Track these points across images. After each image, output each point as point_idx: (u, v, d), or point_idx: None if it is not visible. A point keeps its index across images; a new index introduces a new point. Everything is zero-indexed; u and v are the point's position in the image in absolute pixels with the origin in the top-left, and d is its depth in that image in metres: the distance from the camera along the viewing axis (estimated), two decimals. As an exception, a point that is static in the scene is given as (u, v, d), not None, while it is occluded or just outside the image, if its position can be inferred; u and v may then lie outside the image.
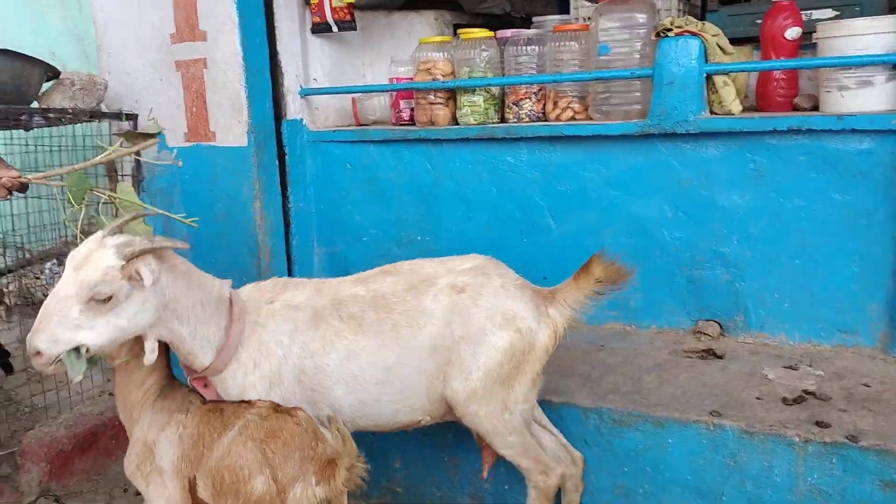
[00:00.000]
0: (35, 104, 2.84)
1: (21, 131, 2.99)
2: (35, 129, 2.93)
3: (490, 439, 2.04)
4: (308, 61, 3.17)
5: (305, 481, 1.79)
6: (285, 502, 1.78)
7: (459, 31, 3.03)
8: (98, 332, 1.68)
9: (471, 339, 1.97)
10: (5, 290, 3.55)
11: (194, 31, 2.94)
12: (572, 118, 2.81)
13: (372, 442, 2.54)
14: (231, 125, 2.96)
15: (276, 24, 3.01)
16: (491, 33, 2.96)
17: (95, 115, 2.91)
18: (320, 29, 3.06)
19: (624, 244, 2.70)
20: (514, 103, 2.90)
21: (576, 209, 2.81)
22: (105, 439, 2.82)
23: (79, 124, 2.98)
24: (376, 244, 3.12)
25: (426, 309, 1.99)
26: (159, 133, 2.07)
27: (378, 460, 2.55)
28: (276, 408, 1.88)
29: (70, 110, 2.80)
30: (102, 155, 2.17)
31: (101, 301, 1.66)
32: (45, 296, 3.44)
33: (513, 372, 2.00)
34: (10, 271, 3.36)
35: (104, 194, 2.20)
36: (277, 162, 3.06)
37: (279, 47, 3.04)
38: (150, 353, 1.78)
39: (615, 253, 2.05)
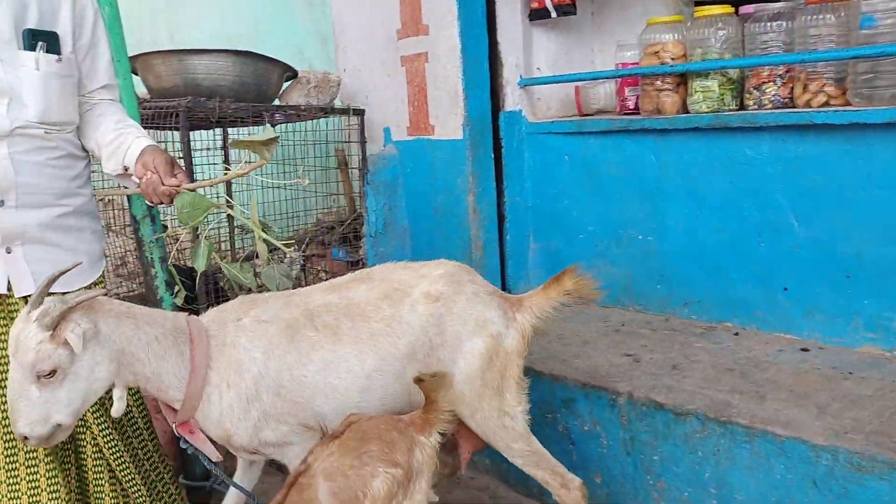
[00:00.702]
0: (276, 102, 3.06)
1: (266, 126, 3.25)
2: (278, 125, 3.17)
3: (495, 447, 2.06)
4: (531, 50, 3.06)
5: (416, 443, 1.83)
6: (412, 473, 1.81)
7: (696, 8, 2.73)
8: (64, 405, 1.67)
9: (448, 346, 1.99)
10: (257, 270, 3.91)
11: (418, 25, 2.98)
12: (825, 104, 2.39)
13: (571, 452, 2.40)
14: (448, 118, 2.95)
15: (496, 14, 2.95)
16: (731, 9, 2.62)
17: (328, 111, 3.06)
18: (539, 15, 2.93)
19: (887, 254, 2.25)
20: (754, 87, 2.54)
21: (826, 210, 2.40)
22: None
23: (313, 120, 3.17)
24: (594, 241, 2.93)
25: (403, 318, 1.97)
26: (276, 138, 2.01)
27: (577, 472, 2.40)
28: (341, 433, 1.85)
29: (304, 107, 2.97)
30: (226, 176, 2.18)
31: (49, 376, 1.64)
32: (286, 279, 3.74)
33: (498, 379, 2.03)
34: (258, 255, 3.67)
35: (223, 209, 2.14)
36: (493, 155, 3.00)
37: (499, 38, 2.97)
38: (118, 402, 1.75)
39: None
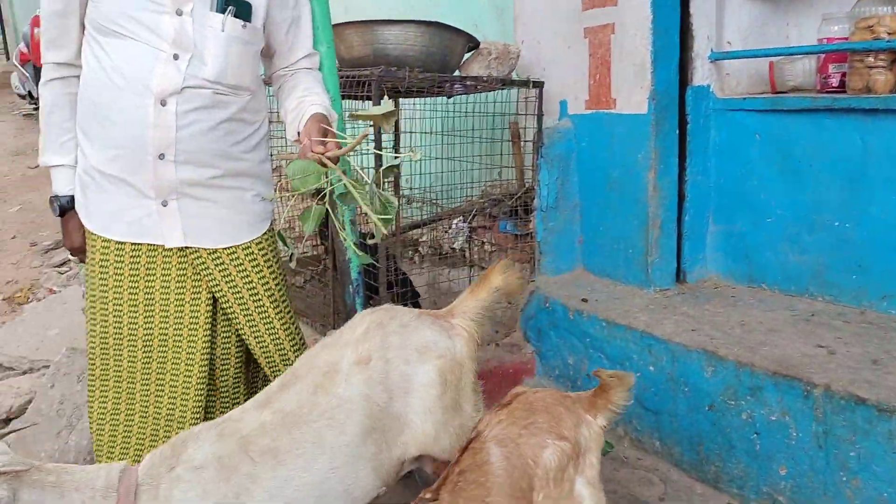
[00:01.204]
0: (456, 73, 3.09)
1: (443, 98, 3.30)
2: (455, 96, 3.20)
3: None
4: (723, 23, 2.93)
5: (583, 420, 1.83)
6: (580, 448, 1.80)
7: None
8: None
9: (398, 394, 1.88)
10: (420, 240, 4.00)
11: (605, -4, 2.91)
12: None
13: (754, 441, 2.31)
14: (633, 92, 2.87)
15: (691, -16, 2.84)
16: (960, -22, 2.40)
17: (507, 82, 3.06)
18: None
19: None
20: (985, 65, 2.32)
21: None
22: (490, 385, 2.94)
23: (490, 92, 3.18)
24: (782, 227, 2.78)
25: (341, 401, 1.82)
26: (395, 111, 1.89)
27: (760, 461, 2.32)
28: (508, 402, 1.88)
29: (485, 78, 2.99)
30: (344, 149, 2.00)
31: None
32: (452, 249, 3.81)
33: (455, 395, 1.94)
34: (424, 224, 3.75)
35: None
36: (677, 131, 2.90)
37: (692, 9, 2.85)
38: None
39: None
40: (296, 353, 2.34)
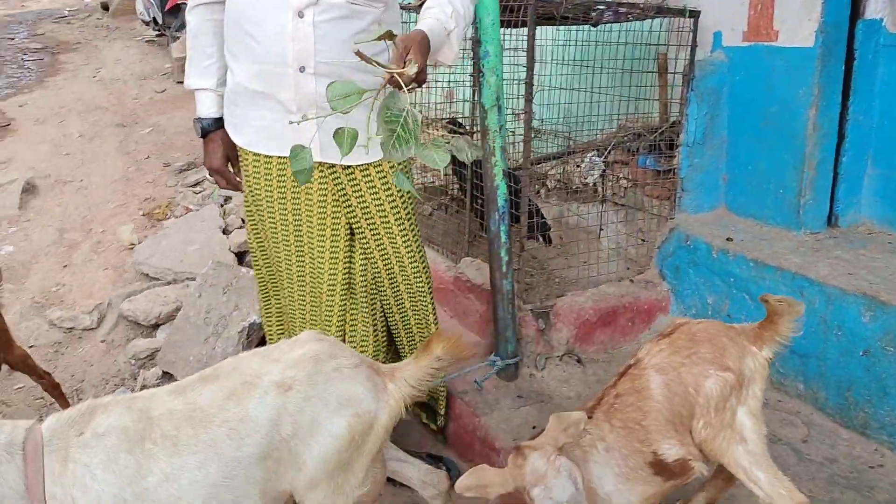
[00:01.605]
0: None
1: (583, 27, 3.23)
2: (600, 25, 3.13)
3: None
4: (902, -49, 2.74)
5: (748, 351, 1.84)
6: (744, 379, 1.83)
7: None
8: None
9: (303, 434, 1.80)
10: (548, 173, 3.98)
11: (778, -81, 2.76)
12: None
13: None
14: (799, 24, 2.74)
15: None
16: None
17: (661, 10, 2.96)
18: None
19: None
20: None
21: None
22: (623, 320, 3.02)
23: (636, 22, 3.09)
24: (951, 171, 2.64)
25: (249, 416, 1.76)
26: (389, 32, 1.72)
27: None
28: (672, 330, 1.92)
29: (641, 5, 2.91)
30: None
31: None
32: (583, 183, 3.79)
33: (353, 455, 1.87)
34: (554, 157, 3.73)
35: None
36: (844, 65, 2.76)
37: (870, -66, 2.68)
38: None
39: None
40: (417, 279, 2.44)
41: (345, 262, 2.32)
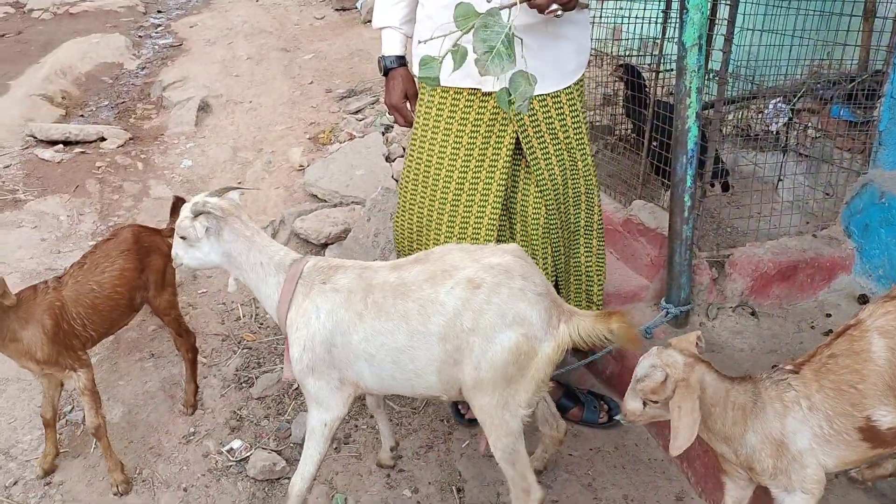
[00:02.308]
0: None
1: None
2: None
3: (487, 432, 2.10)
4: None
5: None
6: None
7: None
8: (189, 258, 2.25)
9: (480, 333, 1.99)
10: (725, 118, 3.84)
11: None
12: None
13: None
14: None
15: None
16: None
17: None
18: None
19: None
20: None
21: None
22: (802, 275, 2.94)
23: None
24: None
25: (439, 299, 2.02)
26: None
27: None
28: None
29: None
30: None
31: (185, 239, 2.20)
32: (765, 131, 3.64)
33: (517, 374, 2.02)
34: (733, 101, 3.59)
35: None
36: None
37: None
38: (231, 285, 2.31)
39: None
40: (588, 206, 2.54)
41: (499, 191, 2.42)
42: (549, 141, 2.39)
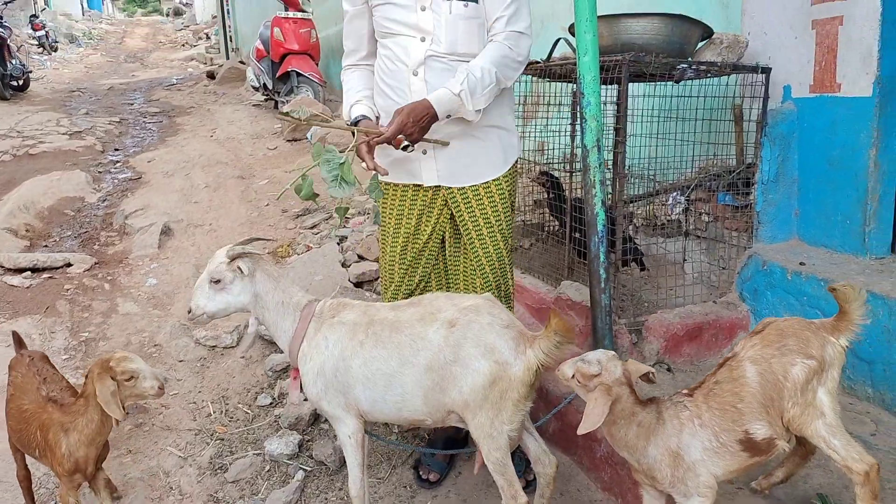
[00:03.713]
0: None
1: (670, 83, 3.72)
2: (682, 81, 3.61)
3: (480, 446, 2.47)
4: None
5: (828, 342, 2.21)
6: (825, 364, 2.20)
7: None
8: (214, 304, 2.60)
9: (459, 363, 2.40)
10: (635, 212, 4.44)
11: (836, -9, 3.23)
12: None
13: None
14: (858, 77, 3.17)
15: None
16: None
17: (737, 68, 3.44)
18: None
19: None
20: None
21: None
22: (707, 335, 3.42)
23: (714, 78, 3.56)
24: None
25: (427, 336, 2.44)
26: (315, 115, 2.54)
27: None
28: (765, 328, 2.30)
29: (718, 64, 3.39)
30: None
31: (218, 283, 2.57)
32: (668, 220, 4.23)
33: (498, 397, 2.39)
34: (644, 197, 4.19)
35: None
36: (900, 110, 3.17)
37: (920, 1, 3.10)
38: (251, 329, 2.75)
39: None
40: (495, 274, 2.98)
41: (431, 255, 3.02)
42: (483, 225, 2.90)
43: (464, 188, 2.88)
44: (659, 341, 3.32)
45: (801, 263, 3.29)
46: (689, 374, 3.32)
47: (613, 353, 2.31)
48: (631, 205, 4.33)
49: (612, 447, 2.34)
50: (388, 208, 3.00)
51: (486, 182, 2.91)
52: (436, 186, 2.88)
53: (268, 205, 6.73)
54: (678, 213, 4.03)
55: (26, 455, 2.86)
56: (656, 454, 2.23)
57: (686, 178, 4.00)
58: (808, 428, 2.18)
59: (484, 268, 2.93)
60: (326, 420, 3.71)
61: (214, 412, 3.91)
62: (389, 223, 3.01)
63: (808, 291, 3.18)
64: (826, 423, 2.18)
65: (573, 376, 2.26)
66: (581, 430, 2.16)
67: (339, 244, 5.34)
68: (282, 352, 4.33)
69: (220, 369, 4.31)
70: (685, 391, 2.34)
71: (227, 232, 6.18)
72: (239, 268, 2.57)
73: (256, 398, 4.01)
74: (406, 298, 2.95)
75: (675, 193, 4.04)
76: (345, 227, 5.72)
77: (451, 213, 2.96)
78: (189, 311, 2.67)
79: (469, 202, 2.91)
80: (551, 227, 4.31)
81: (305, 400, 2.96)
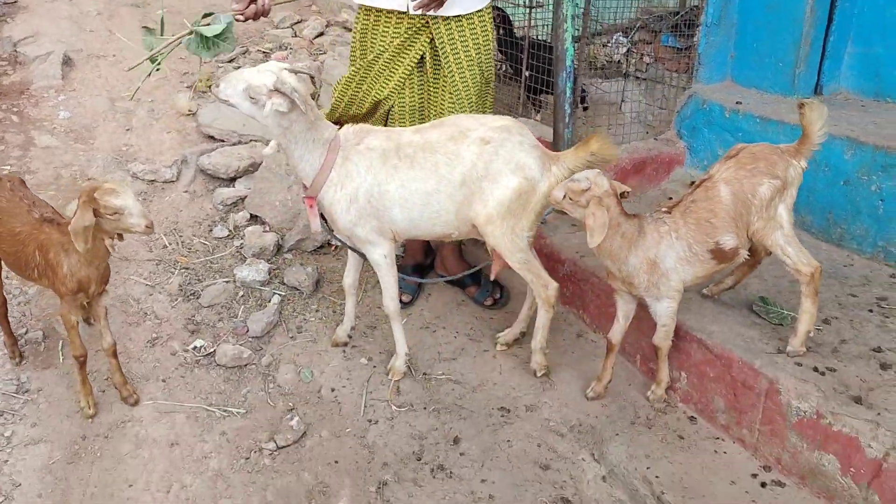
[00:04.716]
0: None
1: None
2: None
3: (502, 253, 2.71)
4: None
5: (790, 164, 2.51)
6: (787, 184, 2.51)
7: None
8: (248, 111, 2.54)
9: (490, 178, 2.59)
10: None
11: None
12: None
13: (878, 207, 3.05)
14: (804, -75, 3.39)
15: None
16: None
17: None
18: None
19: None
20: None
21: None
22: (649, 169, 3.75)
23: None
24: (913, 50, 3.39)
25: (460, 153, 2.61)
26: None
27: (881, 223, 3.06)
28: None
29: None
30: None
31: (253, 101, 2.50)
32: (608, 61, 4.43)
33: (519, 207, 2.62)
34: (588, 36, 4.34)
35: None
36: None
37: None
38: (270, 148, 2.83)
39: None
40: (471, 105, 3.09)
41: (401, 80, 3.07)
42: (462, 56, 2.98)
43: (448, 19, 2.93)
44: (609, 173, 3.61)
45: (737, 102, 3.62)
46: (633, 204, 3.65)
47: (598, 170, 2.55)
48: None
49: (596, 255, 2.61)
50: (370, 32, 3.02)
51: (470, 14, 2.97)
52: (421, 16, 2.91)
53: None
54: (620, 55, 4.24)
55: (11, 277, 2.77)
56: (636, 262, 2.54)
57: (630, 20, 4.18)
58: (769, 238, 2.55)
59: (461, 99, 3.04)
60: (291, 250, 3.83)
61: (170, 244, 3.92)
62: (367, 45, 3.04)
63: (744, 128, 3.53)
64: (784, 233, 2.55)
65: (564, 196, 2.49)
66: (591, 243, 2.42)
67: (269, 79, 5.18)
68: (229, 185, 4.35)
69: (165, 203, 4.26)
70: (664, 209, 2.64)
71: (133, 64, 5.80)
72: (276, 103, 2.48)
73: (211, 230, 4.04)
74: (360, 112, 3.10)
75: (617, 35, 4.23)
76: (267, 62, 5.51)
77: (433, 43, 3.01)
78: (211, 86, 2.62)
79: (452, 33, 2.97)
80: (501, 67, 4.39)
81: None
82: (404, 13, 2.92)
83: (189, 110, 5.02)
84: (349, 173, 2.65)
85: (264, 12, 2.74)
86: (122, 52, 5.99)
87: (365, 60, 3.04)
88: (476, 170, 2.61)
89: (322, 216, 2.82)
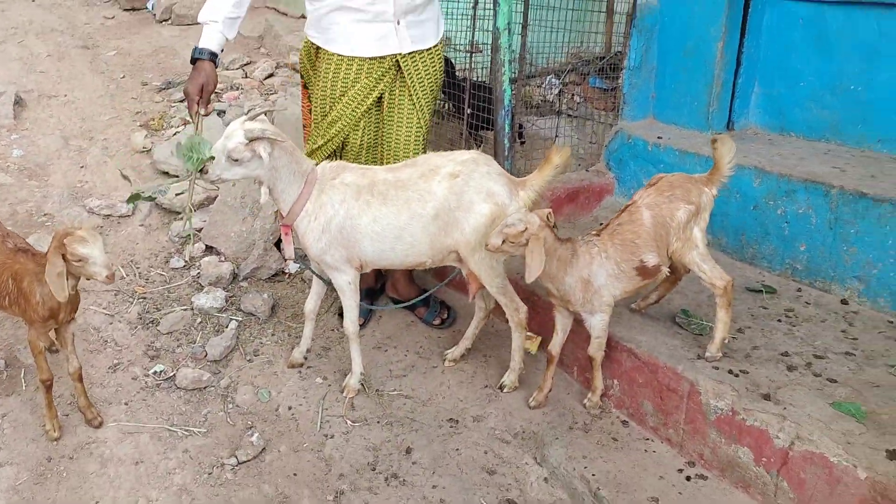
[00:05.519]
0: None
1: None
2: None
3: (482, 279, 2.91)
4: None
5: (703, 191, 2.81)
6: (700, 209, 2.79)
7: None
8: (230, 173, 2.72)
9: (463, 208, 2.77)
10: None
11: None
12: None
13: (784, 229, 3.41)
14: (712, -20, 3.81)
15: None
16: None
17: (615, -35, 3.94)
18: None
19: None
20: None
21: None
22: (582, 198, 4.06)
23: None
24: (811, 90, 3.77)
25: (432, 189, 2.77)
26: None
27: (786, 242, 3.41)
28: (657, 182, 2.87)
29: (601, -40, 3.87)
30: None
31: (236, 161, 2.67)
32: (542, 100, 4.77)
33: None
34: (526, 77, 4.68)
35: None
36: (742, 12, 3.84)
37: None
38: (263, 196, 2.83)
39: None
40: (417, 145, 3.33)
41: (359, 117, 3.27)
42: (427, 88, 3.26)
43: (413, 53, 3.19)
44: (546, 203, 3.91)
45: (658, 137, 3.98)
46: (567, 230, 3.95)
47: (524, 208, 2.82)
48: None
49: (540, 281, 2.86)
50: (332, 77, 3.18)
51: (430, 48, 3.24)
52: (392, 55, 3.14)
53: (123, 77, 6.47)
54: (553, 95, 4.59)
55: None
56: (571, 282, 2.80)
57: (561, 63, 4.54)
58: (686, 256, 2.84)
59: (419, 133, 3.30)
60: (246, 278, 4.01)
61: (127, 275, 4.04)
62: (334, 90, 3.19)
63: (665, 160, 3.88)
64: (699, 252, 2.85)
65: (503, 242, 2.67)
66: (529, 279, 2.66)
67: (218, 115, 5.38)
68: (181, 219, 4.50)
69: (122, 236, 4.38)
70: (594, 232, 2.93)
71: (86, 104, 5.94)
72: (257, 150, 2.64)
73: (168, 262, 4.18)
74: (328, 154, 3.29)
75: (550, 76, 4.58)
76: (220, 101, 5.73)
77: (394, 82, 3.23)
78: (204, 172, 2.81)
79: (417, 66, 3.22)
80: (444, 106, 4.68)
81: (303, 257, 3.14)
82: (376, 58, 3.13)
83: (144, 147, 5.16)
84: (323, 205, 2.80)
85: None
86: (74, 93, 6.12)
87: (333, 97, 3.21)
88: (448, 202, 2.77)
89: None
